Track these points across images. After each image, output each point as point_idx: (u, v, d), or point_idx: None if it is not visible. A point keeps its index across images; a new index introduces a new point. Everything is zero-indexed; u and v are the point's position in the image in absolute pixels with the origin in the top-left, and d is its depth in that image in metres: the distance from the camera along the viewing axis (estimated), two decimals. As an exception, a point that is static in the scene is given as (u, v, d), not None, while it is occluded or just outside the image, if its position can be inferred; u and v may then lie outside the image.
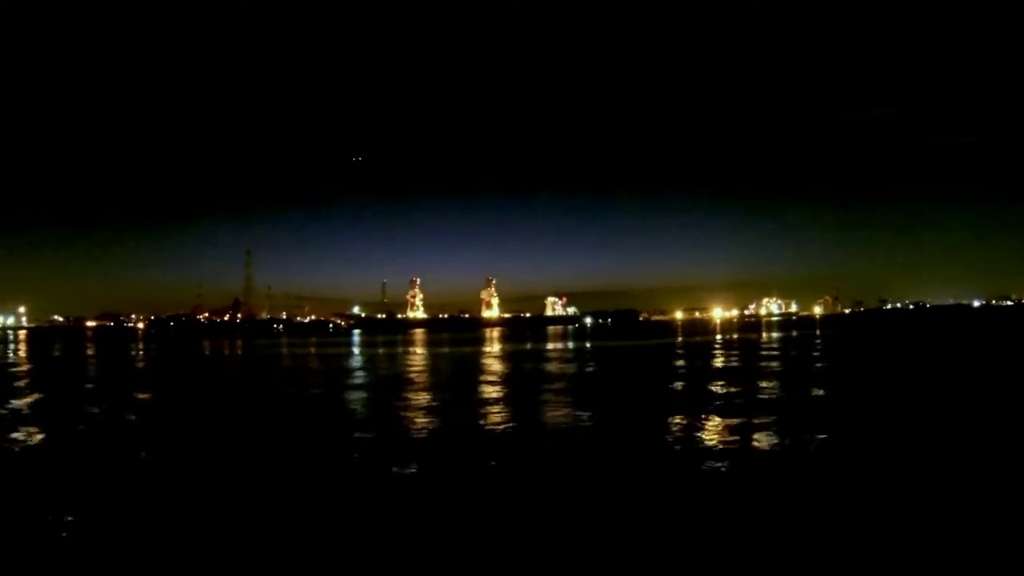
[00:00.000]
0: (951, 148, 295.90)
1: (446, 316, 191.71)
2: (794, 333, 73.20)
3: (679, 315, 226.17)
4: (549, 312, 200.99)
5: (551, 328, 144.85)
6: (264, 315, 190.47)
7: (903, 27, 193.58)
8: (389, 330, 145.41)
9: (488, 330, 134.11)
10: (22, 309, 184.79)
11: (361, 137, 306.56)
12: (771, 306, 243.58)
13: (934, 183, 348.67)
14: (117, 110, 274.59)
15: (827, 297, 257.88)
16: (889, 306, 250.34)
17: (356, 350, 57.66)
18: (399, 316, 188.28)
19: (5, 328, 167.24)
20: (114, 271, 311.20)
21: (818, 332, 73.35)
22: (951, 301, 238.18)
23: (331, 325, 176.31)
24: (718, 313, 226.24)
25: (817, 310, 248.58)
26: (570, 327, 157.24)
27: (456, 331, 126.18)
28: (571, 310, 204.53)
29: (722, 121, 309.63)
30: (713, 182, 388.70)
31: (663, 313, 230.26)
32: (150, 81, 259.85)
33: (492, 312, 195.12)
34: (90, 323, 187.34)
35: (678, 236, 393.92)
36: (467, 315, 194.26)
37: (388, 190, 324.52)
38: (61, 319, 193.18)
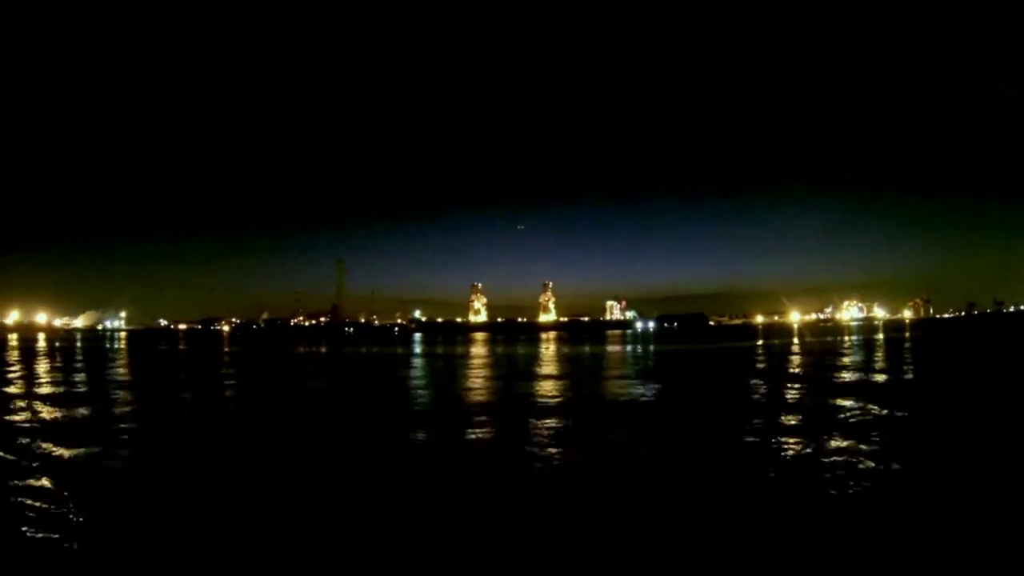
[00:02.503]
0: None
1: (501, 320, 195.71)
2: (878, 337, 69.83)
3: (760, 319, 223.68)
4: (608, 316, 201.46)
5: (609, 332, 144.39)
6: (361, 318, 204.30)
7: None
8: (449, 333, 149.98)
9: (544, 334, 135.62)
10: (123, 314, 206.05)
11: (435, 152, 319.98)
12: (851, 309, 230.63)
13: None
14: (227, 131, 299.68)
15: (917, 300, 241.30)
16: (1013, 308, 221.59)
17: (417, 349, 61.61)
18: (458, 320, 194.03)
19: (104, 330, 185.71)
20: (223, 280, 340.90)
21: (901, 336, 70.95)
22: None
23: (396, 328, 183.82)
24: (795, 317, 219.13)
25: (907, 314, 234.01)
26: (628, 331, 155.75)
27: (509, 334, 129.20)
28: (630, 314, 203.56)
29: (805, 117, 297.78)
30: (798, 181, 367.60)
31: (745, 317, 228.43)
32: (250, 102, 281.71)
33: (549, 316, 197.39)
34: (182, 326, 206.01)
35: (757, 239, 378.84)
36: (523, 319, 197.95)
37: (466, 200, 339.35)
38: (164, 322, 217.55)
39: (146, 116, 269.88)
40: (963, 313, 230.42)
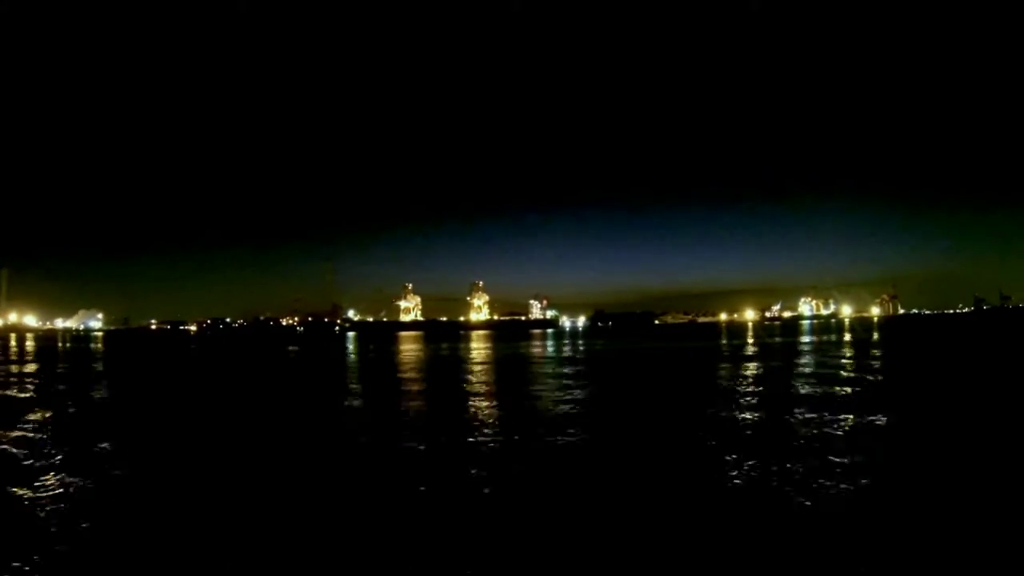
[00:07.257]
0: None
1: (424, 319, 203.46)
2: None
3: (724, 317, 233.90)
4: (530, 315, 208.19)
5: (531, 331, 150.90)
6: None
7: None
8: (382, 332, 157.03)
9: (464, 333, 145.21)
10: (100, 315, 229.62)
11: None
12: (802, 307, 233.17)
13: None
14: (225, 136, 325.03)
15: (884, 296, 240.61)
16: None
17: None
18: (383, 319, 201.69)
19: (79, 331, 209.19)
20: (228, 282, 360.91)
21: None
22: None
23: (336, 327, 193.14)
24: (750, 315, 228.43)
25: (875, 311, 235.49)
26: (550, 330, 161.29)
27: (432, 334, 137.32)
28: (550, 313, 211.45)
29: (765, 119, 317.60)
30: (773, 180, 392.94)
31: (712, 315, 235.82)
32: (249, 106, 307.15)
33: (480, 316, 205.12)
34: (153, 326, 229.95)
35: (724, 237, 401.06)
36: (445, 319, 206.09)
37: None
38: (154, 323, 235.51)
39: (143, 123, 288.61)
40: (969, 309, 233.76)
